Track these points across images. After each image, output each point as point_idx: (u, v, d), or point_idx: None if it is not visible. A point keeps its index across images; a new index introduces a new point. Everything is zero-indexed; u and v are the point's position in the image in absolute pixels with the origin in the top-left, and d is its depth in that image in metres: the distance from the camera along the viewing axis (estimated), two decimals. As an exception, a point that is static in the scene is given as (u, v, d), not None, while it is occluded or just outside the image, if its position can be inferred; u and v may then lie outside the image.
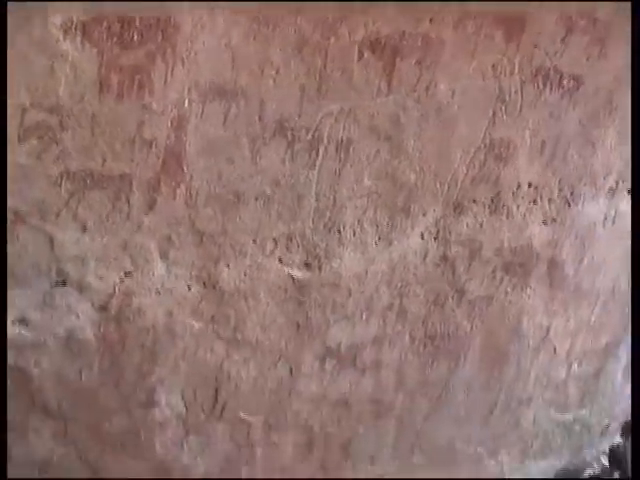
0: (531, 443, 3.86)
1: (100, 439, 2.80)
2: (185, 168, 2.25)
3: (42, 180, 2.14)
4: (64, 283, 2.37)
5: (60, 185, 2.16)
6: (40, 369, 2.53)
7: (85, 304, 2.43)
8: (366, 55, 2.26)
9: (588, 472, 4.51)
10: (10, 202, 2.14)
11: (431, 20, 2.27)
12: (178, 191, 2.29)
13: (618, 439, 4.61)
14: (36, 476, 2.83)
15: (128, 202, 2.25)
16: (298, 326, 2.72)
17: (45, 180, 2.14)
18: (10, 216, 2.17)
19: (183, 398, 2.76)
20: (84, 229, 2.26)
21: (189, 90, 2.14)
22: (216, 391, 2.78)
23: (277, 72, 2.21)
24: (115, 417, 2.74)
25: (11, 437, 2.65)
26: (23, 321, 2.41)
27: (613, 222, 3.07)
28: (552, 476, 4.23)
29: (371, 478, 3.46)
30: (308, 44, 2.18)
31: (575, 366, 3.56)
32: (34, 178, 2.13)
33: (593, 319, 3.38)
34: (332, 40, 2.20)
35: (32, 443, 2.73)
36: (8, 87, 1.95)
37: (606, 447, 4.52)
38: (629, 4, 2.50)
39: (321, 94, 2.29)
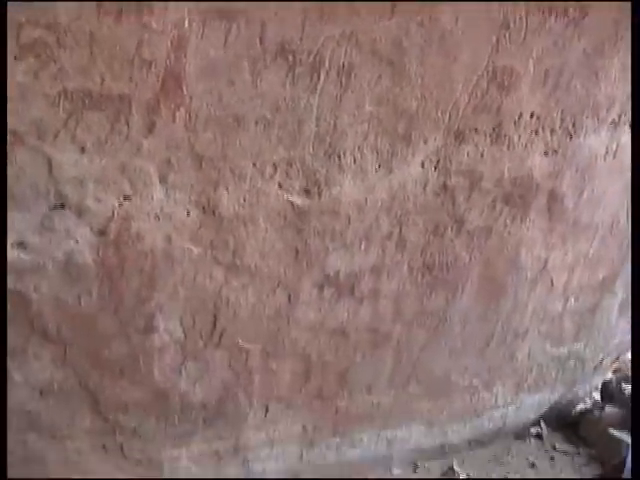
0: (526, 376, 3.90)
1: (99, 364, 2.81)
2: (185, 90, 2.22)
3: (40, 99, 2.11)
4: (62, 206, 2.35)
5: (58, 105, 2.13)
6: (39, 293, 2.52)
7: (84, 228, 2.41)
8: (370, -23, 2.22)
9: (580, 407, 4.58)
10: (8, 122, 2.11)
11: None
12: (178, 114, 2.26)
13: (610, 375, 4.68)
14: (37, 400, 2.85)
15: (127, 124, 2.23)
16: (297, 253, 2.72)
17: (43, 100, 2.11)
18: (8, 137, 2.14)
19: (182, 324, 2.77)
20: (83, 150, 2.24)
21: (189, 9, 2.10)
22: (215, 317, 2.79)
23: (279, -9, 2.17)
24: (114, 343, 2.75)
25: (12, 362, 2.67)
26: (22, 244, 2.39)
27: (614, 155, 3.06)
28: (545, 409, 4.29)
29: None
30: (310, -36, 2.15)
31: (572, 300, 3.58)
32: (32, 97, 2.10)
33: (591, 253, 3.39)
34: (335, -39, 2.16)
35: (32, 368, 2.74)
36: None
37: (599, 382, 4.58)
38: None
39: (323, 17, 2.25)
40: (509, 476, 3.97)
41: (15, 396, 2.79)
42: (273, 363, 3.07)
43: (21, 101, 2.09)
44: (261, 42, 2.23)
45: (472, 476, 3.95)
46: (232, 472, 3.51)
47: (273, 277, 2.76)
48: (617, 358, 4.45)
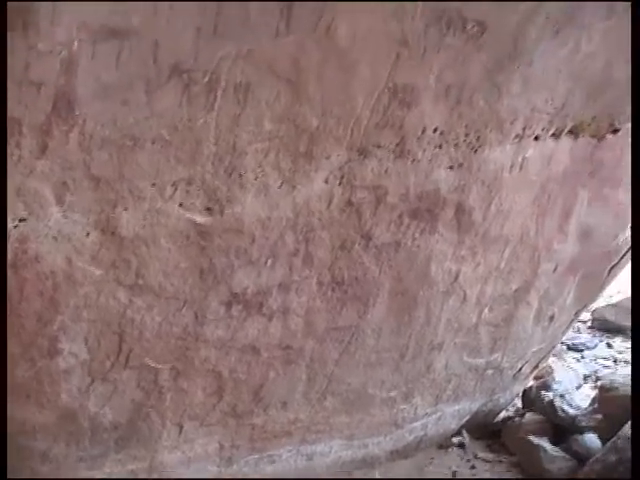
0: (444, 387, 3.94)
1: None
2: (78, 111, 2.19)
3: None
4: (-44, 231, 2.30)
5: (-56, 129, 2.08)
6: None
7: (-20, 251, 2.37)
8: (263, -6, 2.21)
9: (502, 415, 4.64)
10: None
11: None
12: (71, 135, 2.22)
13: (531, 382, 4.75)
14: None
15: (19, 146, 2.18)
16: (202, 271, 2.70)
17: None
18: None
19: (87, 345, 2.74)
20: (-26, 174, 2.19)
21: (78, 30, 2.07)
22: (120, 338, 2.76)
23: (171, 10, 2.15)
24: (18, 367, 2.70)
25: None
26: None
27: (520, 168, 3.10)
28: (467, 419, 4.34)
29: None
30: (202, -19, 2.12)
31: (486, 311, 3.63)
32: None
33: (502, 265, 3.44)
34: (227, -22, 2.15)
35: None
36: None
37: (519, 390, 4.64)
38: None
39: (217, 35, 2.24)
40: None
41: None
42: (184, 382, 3.05)
43: None
44: (155, 62, 2.20)
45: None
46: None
47: (178, 296, 2.74)
48: (537, 366, 4.52)
